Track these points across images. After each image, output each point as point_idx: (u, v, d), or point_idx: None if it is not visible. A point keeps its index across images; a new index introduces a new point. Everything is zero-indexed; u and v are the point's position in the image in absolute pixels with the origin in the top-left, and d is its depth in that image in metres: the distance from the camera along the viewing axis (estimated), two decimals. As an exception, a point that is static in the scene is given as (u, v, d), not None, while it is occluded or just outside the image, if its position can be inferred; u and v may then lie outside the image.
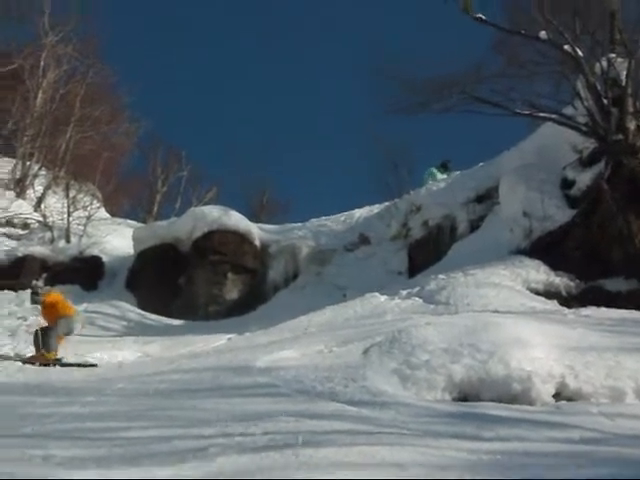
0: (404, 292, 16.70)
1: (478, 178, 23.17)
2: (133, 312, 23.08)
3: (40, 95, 36.81)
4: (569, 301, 15.64)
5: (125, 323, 21.81)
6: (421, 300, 15.80)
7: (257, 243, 25.81)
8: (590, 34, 18.83)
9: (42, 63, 37.20)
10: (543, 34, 18.78)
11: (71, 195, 29.76)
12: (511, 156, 22.29)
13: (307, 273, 24.98)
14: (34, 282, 17.65)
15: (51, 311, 15.69)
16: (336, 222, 27.47)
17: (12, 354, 15.44)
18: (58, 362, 14.67)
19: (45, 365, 14.29)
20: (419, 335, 10.51)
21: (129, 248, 27.50)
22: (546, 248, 17.51)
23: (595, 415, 7.63)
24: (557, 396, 8.58)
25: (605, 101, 17.99)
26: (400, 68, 20.47)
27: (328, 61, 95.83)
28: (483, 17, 19.89)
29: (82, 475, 4.85)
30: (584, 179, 18.33)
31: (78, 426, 7.09)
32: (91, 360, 15.01)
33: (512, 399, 8.42)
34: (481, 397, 8.63)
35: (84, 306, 22.63)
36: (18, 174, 35.17)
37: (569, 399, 8.53)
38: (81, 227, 28.18)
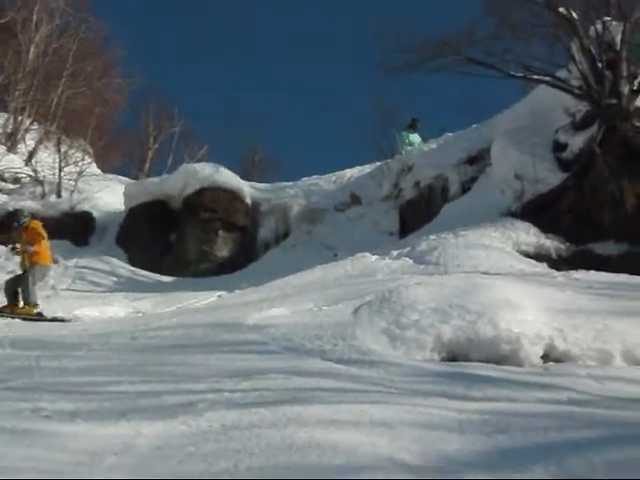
0: (395, 252, 16.72)
1: (471, 139, 23.14)
2: (123, 268, 23.09)
3: (32, 49, 36.62)
4: (559, 264, 15.66)
5: (115, 279, 21.81)
6: (411, 260, 15.83)
7: (248, 201, 25.77)
8: (585, -4, 18.75)
9: (34, 17, 37.00)
10: (538, -5, 18.72)
11: (62, 150, 29.67)
12: (504, 118, 22.26)
13: (298, 232, 24.99)
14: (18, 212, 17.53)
15: (31, 238, 15.58)
16: (327, 181, 27.41)
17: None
18: (39, 317, 14.65)
19: (25, 319, 14.28)
20: (409, 295, 10.52)
21: (120, 204, 27.46)
22: (537, 211, 17.53)
23: (583, 377, 7.65)
24: (545, 358, 8.60)
25: (599, 65, 17.96)
26: (395, 29, 20.40)
27: (322, 21, 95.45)
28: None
29: (71, 428, 4.86)
30: (577, 142, 18.32)
31: (67, 380, 7.09)
32: (64, 316, 15.02)
33: (500, 360, 8.44)
34: (470, 357, 8.65)
35: (74, 261, 22.65)
36: (9, 128, 35.04)
37: (557, 361, 8.55)
38: (72, 182, 28.14)
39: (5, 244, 21.33)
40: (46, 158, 30.82)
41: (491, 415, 5.30)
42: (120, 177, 34.71)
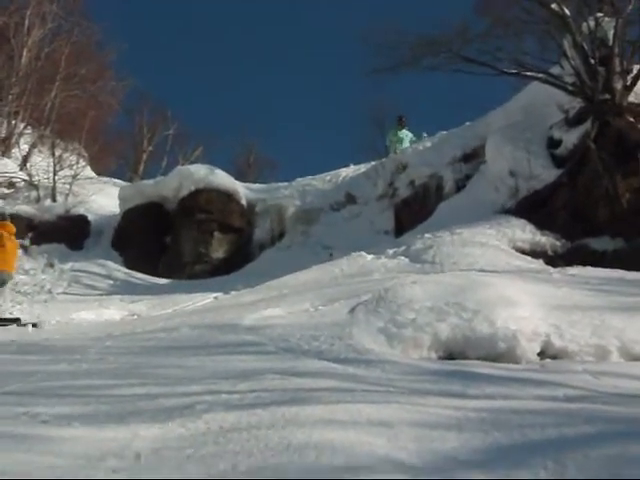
0: (390, 251, 16.73)
1: (464, 137, 23.15)
2: (119, 271, 23.09)
3: (25, 53, 36.54)
4: (555, 260, 15.68)
5: (111, 282, 21.81)
6: (407, 259, 15.83)
7: (243, 202, 25.81)
8: (577, -8, 18.76)
9: (27, 21, 36.90)
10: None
11: (57, 154, 29.69)
12: (498, 115, 22.28)
13: (293, 232, 25.02)
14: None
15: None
16: (322, 181, 27.42)
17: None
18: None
19: None
20: (405, 294, 10.53)
21: (115, 207, 27.48)
22: (532, 207, 17.54)
23: (580, 373, 7.66)
24: (542, 354, 8.61)
25: (592, 61, 17.99)
26: (388, 28, 20.42)
27: (316, 21, 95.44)
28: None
29: (69, 432, 4.86)
30: (570, 139, 18.35)
31: (64, 384, 7.09)
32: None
33: (497, 357, 8.45)
34: (467, 355, 8.66)
35: (70, 265, 22.66)
36: (3, 133, 34.95)
37: (554, 357, 8.57)
38: (67, 186, 28.14)
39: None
40: (40, 162, 30.79)
41: (489, 413, 5.30)
42: (115, 180, 34.76)
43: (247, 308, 12.60)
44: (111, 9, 68.57)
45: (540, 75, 19.50)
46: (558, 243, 16.49)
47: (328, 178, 27.68)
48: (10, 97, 35.26)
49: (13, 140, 34.86)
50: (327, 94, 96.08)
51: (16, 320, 14.54)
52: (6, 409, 5.60)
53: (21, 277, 20.12)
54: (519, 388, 6.64)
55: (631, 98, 17.94)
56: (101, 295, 19.73)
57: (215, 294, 17.92)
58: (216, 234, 24.96)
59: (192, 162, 39.58)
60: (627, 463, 4.07)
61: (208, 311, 14.08)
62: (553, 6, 18.36)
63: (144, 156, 46.32)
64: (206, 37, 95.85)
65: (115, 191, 28.82)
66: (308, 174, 28.87)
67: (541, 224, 16.92)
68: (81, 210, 27.21)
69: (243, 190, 26.49)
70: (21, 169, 31.31)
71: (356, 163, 28.79)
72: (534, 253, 16.19)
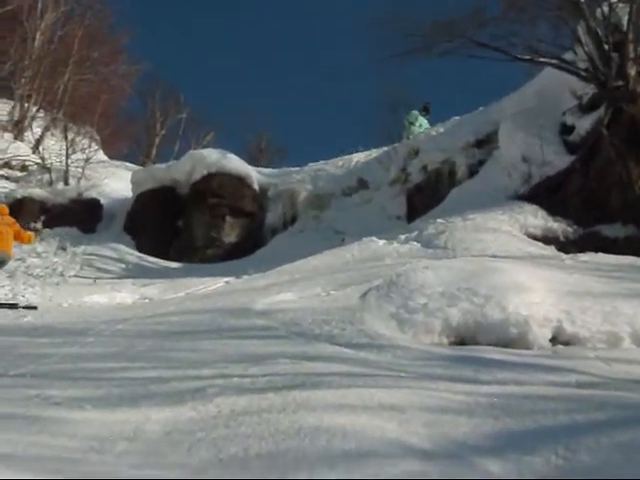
0: (402, 236, 16.72)
1: (478, 123, 23.07)
2: (131, 255, 23.15)
3: (38, 36, 36.60)
4: (567, 246, 15.64)
5: (123, 265, 21.87)
6: (419, 244, 15.82)
7: (255, 187, 25.79)
8: (592, -23, 18.63)
9: (40, 4, 36.95)
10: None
11: (69, 137, 29.73)
12: (511, 101, 22.20)
13: (305, 217, 25.00)
14: None
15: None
16: (334, 166, 27.38)
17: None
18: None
19: None
20: (417, 279, 10.52)
21: (127, 191, 27.52)
22: (544, 194, 17.50)
23: (592, 359, 7.65)
24: (554, 340, 8.60)
25: (606, 47, 17.87)
26: (401, 13, 20.34)
27: (330, 6, 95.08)
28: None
29: (81, 415, 4.88)
30: (583, 125, 18.27)
31: (77, 366, 7.12)
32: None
33: (509, 343, 8.44)
34: (478, 341, 8.65)
35: (82, 248, 22.73)
36: (16, 116, 35.08)
37: (566, 343, 8.55)
38: (79, 170, 28.18)
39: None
40: (53, 145, 30.86)
41: (499, 398, 5.30)
42: (127, 164, 34.82)
43: (259, 292, 12.62)
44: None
45: (553, 61, 19.40)
46: (570, 229, 16.46)
47: (340, 163, 27.64)
48: (23, 80, 35.36)
49: (26, 123, 34.98)
50: (341, 79, 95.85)
51: (13, 305, 14.52)
52: (19, 391, 5.63)
53: (33, 260, 20.21)
54: (530, 374, 6.63)
55: (645, 84, 17.86)
56: (113, 279, 19.78)
57: (227, 278, 17.94)
58: (228, 218, 24.97)
59: (204, 147, 39.56)
60: (638, 449, 4.07)
61: (220, 295, 14.11)
62: (567, -9, 18.28)
63: (156, 140, 46.37)
64: (219, 21, 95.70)
65: (127, 175, 28.87)
66: (320, 159, 28.86)
67: (553, 210, 16.88)
68: (93, 194, 27.26)
69: (255, 174, 26.47)
70: (34, 152, 31.42)
71: (367, 148, 28.74)
72: (546, 239, 16.16)
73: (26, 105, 35.52)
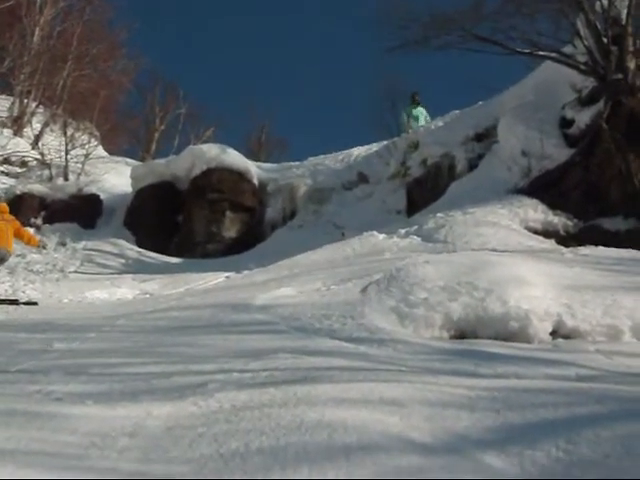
0: (403, 231, 16.72)
1: (477, 117, 23.06)
2: (131, 250, 23.16)
3: (37, 32, 36.60)
4: (567, 240, 15.65)
5: (123, 261, 21.88)
6: (419, 239, 15.82)
7: (255, 181, 25.81)
8: (591, -30, 18.62)
9: (38, 0, 36.87)
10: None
11: (69, 133, 29.72)
12: (510, 95, 22.19)
13: (305, 212, 25.00)
14: None
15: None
16: (334, 161, 27.38)
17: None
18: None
19: None
20: (417, 273, 10.53)
21: (127, 186, 27.55)
22: (544, 187, 17.48)
23: (592, 353, 7.66)
24: (554, 334, 8.61)
25: (605, 40, 17.87)
26: (400, 6, 20.34)
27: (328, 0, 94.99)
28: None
29: (82, 410, 4.88)
30: (583, 118, 18.27)
31: (77, 362, 7.12)
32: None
33: (509, 337, 8.45)
34: (478, 335, 8.66)
35: (82, 244, 22.76)
36: (15, 112, 35.09)
37: (566, 337, 8.56)
38: (79, 165, 28.19)
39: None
40: (52, 141, 30.87)
41: (500, 392, 5.30)
42: (127, 159, 34.84)
43: (259, 287, 12.64)
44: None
45: (553, 54, 19.41)
46: (570, 223, 16.46)
47: (340, 157, 27.64)
48: (22, 76, 35.36)
49: (25, 119, 34.99)
50: (340, 73, 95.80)
51: (14, 301, 14.50)
52: (20, 387, 5.63)
53: (34, 256, 20.20)
54: (531, 367, 6.64)
55: (645, 77, 17.87)
56: (113, 274, 19.78)
57: (227, 273, 17.95)
58: (228, 213, 24.98)
59: (204, 142, 39.64)
60: (638, 441, 4.07)
61: (220, 290, 14.13)
62: (566, -16, 18.28)
63: (156, 135, 46.42)
64: (218, 15, 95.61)
65: (127, 170, 28.88)
66: (320, 153, 28.87)
67: (553, 204, 16.88)
68: (93, 189, 27.27)
69: (255, 169, 26.49)
70: (33, 148, 31.44)
71: (367, 143, 28.74)
72: (546, 233, 16.16)
73: (25, 101, 35.54)
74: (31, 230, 21.17)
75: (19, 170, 29.23)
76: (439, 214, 17.37)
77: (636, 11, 18.04)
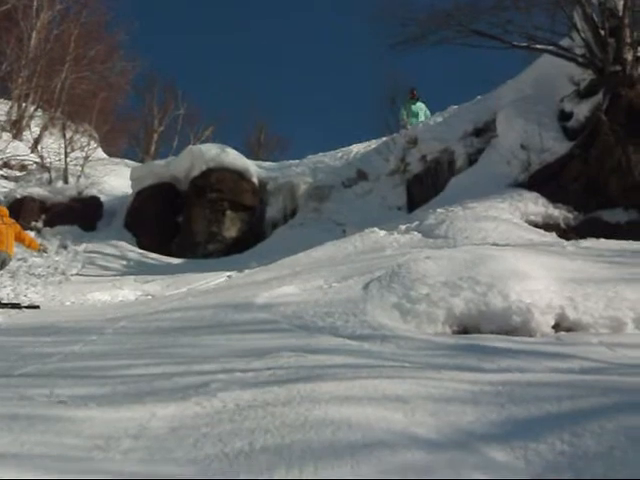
0: (403, 227, 16.71)
1: (476, 111, 23.04)
2: (133, 251, 23.13)
3: (34, 36, 36.52)
4: (568, 233, 15.65)
5: (125, 262, 21.86)
6: (420, 234, 15.81)
7: (255, 180, 25.77)
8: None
9: (35, 3, 36.86)
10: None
11: (68, 136, 29.63)
12: (508, 89, 22.18)
13: (305, 209, 24.98)
14: None
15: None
16: (333, 158, 27.37)
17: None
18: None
19: None
20: (419, 269, 10.53)
21: (127, 188, 27.52)
22: (544, 180, 17.48)
23: (595, 345, 7.66)
24: (557, 327, 8.62)
25: (602, 32, 17.88)
26: (399, 3, 20.36)
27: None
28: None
29: (86, 413, 4.88)
30: (582, 111, 18.27)
31: (81, 365, 7.13)
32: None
33: (512, 331, 8.46)
34: (481, 329, 8.67)
35: (84, 246, 22.74)
36: (14, 116, 35.03)
37: (569, 330, 8.57)
38: (79, 168, 28.12)
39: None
40: (52, 144, 30.79)
41: (504, 386, 5.30)
42: (126, 161, 34.83)
43: (260, 286, 12.63)
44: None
45: (550, 48, 19.42)
46: (571, 216, 16.45)
47: (339, 155, 27.64)
48: (20, 80, 35.33)
49: (24, 123, 34.93)
50: (338, 71, 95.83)
51: (16, 305, 14.46)
52: (23, 390, 5.63)
53: (35, 259, 20.16)
54: (534, 361, 6.64)
55: (642, 69, 17.86)
56: (115, 276, 19.78)
57: (228, 273, 17.94)
58: (228, 213, 24.96)
59: (203, 142, 39.64)
60: (643, 434, 4.07)
61: (222, 290, 14.11)
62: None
63: (155, 136, 46.44)
64: (215, 15, 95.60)
65: (127, 172, 28.85)
66: (319, 151, 28.85)
67: (553, 197, 16.87)
68: (93, 191, 27.23)
69: (254, 168, 26.46)
70: (32, 151, 31.37)
71: (366, 139, 28.75)
72: (547, 226, 16.16)
73: (24, 104, 35.49)
74: (32, 234, 21.11)
75: (19, 174, 29.17)
76: (439, 209, 17.36)
77: (632, 3, 18.05)
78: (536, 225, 16.16)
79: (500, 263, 10.29)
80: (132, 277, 19.04)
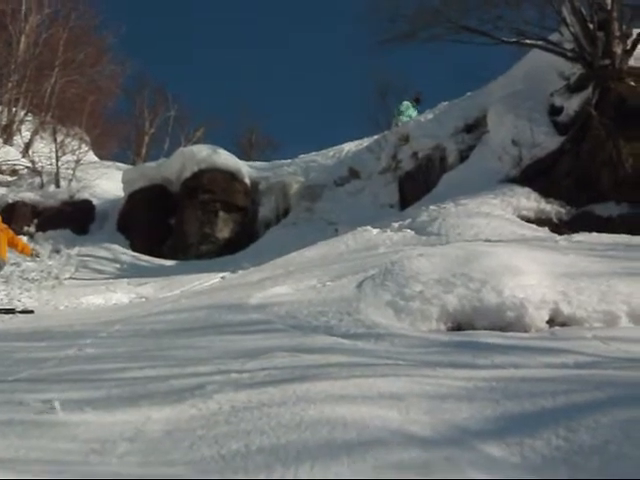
0: (396, 224, 16.72)
1: (466, 108, 23.09)
2: (125, 254, 23.17)
3: (23, 40, 36.52)
4: (560, 227, 15.67)
5: (118, 265, 21.88)
6: (413, 232, 15.82)
7: (247, 181, 25.83)
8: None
9: (23, 7, 36.81)
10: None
11: (59, 140, 29.67)
12: (498, 85, 22.24)
13: (298, 209, 25.04)
14: None
15: None
16: (325, 157, 27.45)
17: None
18: None
19: None
20: (412, 267, 10.53)
21: (119, 191, 27.56)
22: (536, 175, 17.52)
23: (589, 339, 7.67)
24: (551, 322, 8.62)
25: (591, 26, 17.90)
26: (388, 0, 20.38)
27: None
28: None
29: (81, 417, 4.87)
30: (572, 105, 18.31)
31: (75, 369, 7.12)
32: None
33: (506, 326, 8.46)
34: (475, 326, 8.67)
35: (76, 250, 22.75)
36: (4, 120, 35.01)
37: (563, 325, 8.57)
38: (70, 171, 28.17)
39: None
40: (43, 148, 30.84)
41: (499, 382, 5.31)
42: (118, 163, 34.85)
43: (254, 287, 12.63)
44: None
45: (540, 43, 19.46)
46: (563, 210, 16.48)
47: (331, 153, 27.72)
48: (10, 84, 35.29)
49: (14, 127, 34.92)
50: (328, 70, 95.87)
51: (10, 310, 14.43)
52: (18, 396, 5.62)
53: (28, 264, 20.16)
54: (528, 356, 6.65)
55: (631, 62, 17.87)
56: (108, 279, 19.77)
57: (222, 274, 17.97)
58: (221, 214, 25.00)
59: (194, 143, 39.67)
60: (637, 426, 4.08)
61: (215, 291, 14.12)
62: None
63: (146, 138, 46.44)
64: (204, 16, 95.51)
65: (118, 175, 28.89)
66: (311, 150, 28.92)
67: (545, 192, 16.90)
68: (85, 195, 27.26)
69: (246, 169, 26.51)
70: (23, 156, 31.39)
71: (358, 138, 28.79)
72: (539, 221, 16.18)
73: (14, 109, 35.45)
74: (24, 238, 21.10)
75: (10, 179, 29.19)
76: (432, 206, 17.38)
77: (620, -5, 18.09)
78: (528, 220, 16.18)
79: (493, 259, 10.30)
80: (125, 280, 19.05)
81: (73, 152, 29.44)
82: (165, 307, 12.47)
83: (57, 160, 28.50)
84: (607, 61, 17.60)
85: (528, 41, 19.72)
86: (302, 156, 28.32)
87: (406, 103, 27.43)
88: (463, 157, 21.32)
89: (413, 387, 5.22)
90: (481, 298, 8.96)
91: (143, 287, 17.64)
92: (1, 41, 35.02)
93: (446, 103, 25.12)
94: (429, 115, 24.81)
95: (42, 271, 20.22)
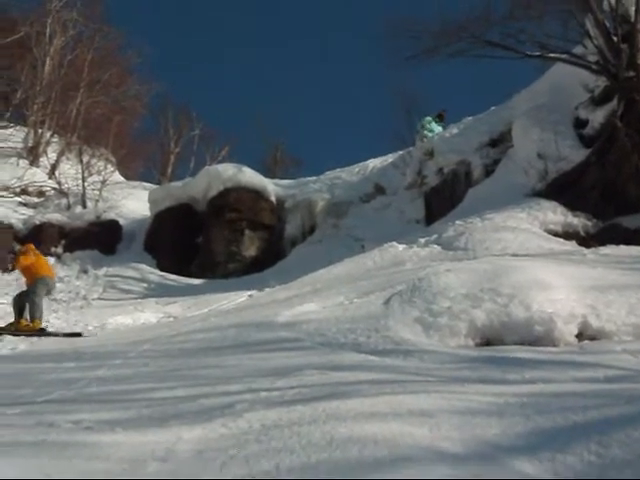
0: (422, 240, 16.68)
1: (491, 122, 23.06)
2: (153, 274, 23.24)
3: (48, 62, 36.82)
4: (587, 241, 15.60)
5: (145, 285, 21.95)
6: (440, 247, 15.78)
7: (273, 199, 25.88)
8: (597, -31, 18.58)
9: (48, 30, 37.14)
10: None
11: (85, 160, 29.88)
12: (523, 98, 22.18)
13: (324, 226, 25.05)
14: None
15: (28, 273, 15.46)
16: (350, 173, 27.45)
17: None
18: (42, 332, 14.45)
19: (29, 335, 14.02)
20: (439, 282, 10.51)
21: (145, 210, 27.68)
22: (562, 189, 17.44)
23: (619, 353, 7.62)
24: (580, 336, 8.58)
25: (615, 38, 17.82)
26: (411, 17, 20.41)
27: (340, 14, 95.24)
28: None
29: (112, 438, 4.88)
30: (597, 118, 18.24)
31: (105, 389, 7.14)
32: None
33: (535, 341, 8.42)
34: (504, 341, 8.63)
35: (104, 270, 22.83)
36: (30, 142, 35.26)
37: (592, 338, 8.53)
38: (96, 192, 28.34)
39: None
40: (69, 169, 31.02)
41: (529, 397, 5.29)
42: (144, 183, 35.04)
43: (282, 304, 12.63)
44: (132, 11, 68.66)
45: (563, 56, 19.41)
46: (590, 223, 16.40)
47: (356, 170, 27.72)
48: (35, 106, 35.58)
49: (41, 149, 35.16)
50: (354, 86, 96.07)
51: (76, 334, 14.47)
52: (48, 417, 5.64)
53: (56, 285, 20.27)
54: (558, 371, 6.61)
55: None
56: (136, 299, 19.83)
57: (249, 292, 17.99)
58: (247, 232, 25.06)
59: (220, 161, 39.84)
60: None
61: (243, 309, 14.13)
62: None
63: (171, 158, 46.64)
64: (228, 35, 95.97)
65: (144, 194, 29.03)
66: (336, 167, 28.95)
67: (572, 205, 16.83)
68: (112, 215, 27.42)
69: (272, 187, 26.57)
70: (50, 177, 31.60)
71: (382, 154, 28.80)
72: (566, 235, 16.11)
73: (40, 131, 35.72)
74: (52, 260, 21.24)
75: (37, 200, 29.38)
76: (458, 221, 17.32)
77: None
78: (555, 234, 16.11)
79: (521, 273, 10.26)
80: (153, 299, 19.12)
81: (99, 172, 29.66)
82: (193, 326, 12.50)
83: (83, 181, 28.70)
84: (631, 73, 17.52)
85: (552, 54, 19.67)
86: (327, 173, 28.36)
87: (429, 118, 27.39)
88: (488, 171, 21.28)
89: (443, 403, 5.21)
90: (509, 313, 8.92)
91: (171, 306, 17.70)
92: (26, 64, 35.30)
93: (471, 118, 25.08)
94: (454, 130, 24.78)
95: (70, 292, 20.32)
